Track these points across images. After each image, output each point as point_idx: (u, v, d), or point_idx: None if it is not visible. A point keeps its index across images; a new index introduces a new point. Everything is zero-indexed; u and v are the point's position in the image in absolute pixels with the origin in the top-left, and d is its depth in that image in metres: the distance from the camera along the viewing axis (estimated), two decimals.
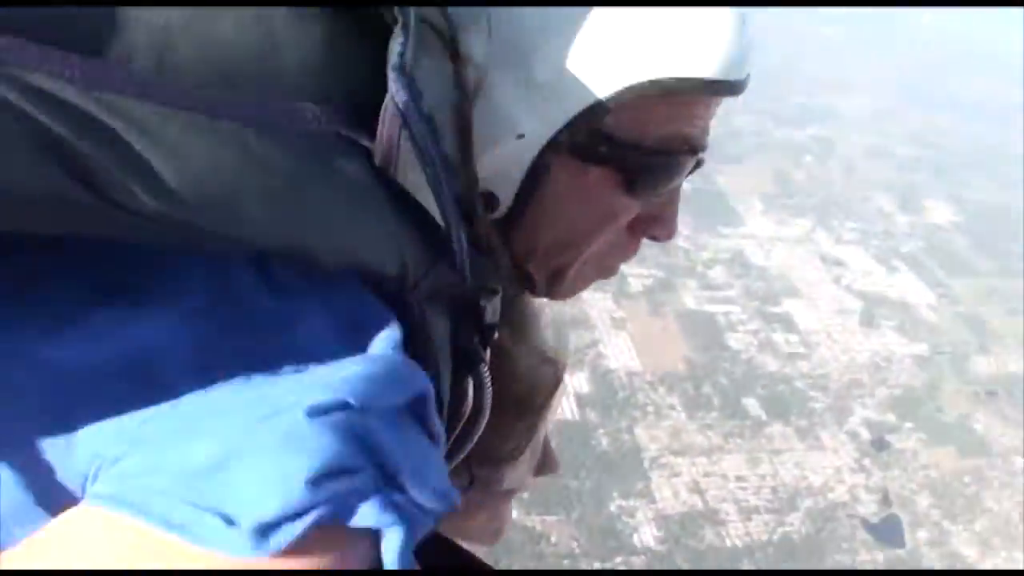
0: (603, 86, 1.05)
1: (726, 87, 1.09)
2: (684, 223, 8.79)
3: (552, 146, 1.08)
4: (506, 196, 1.12)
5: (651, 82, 1.05)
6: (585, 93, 1.06)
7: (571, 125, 1.07)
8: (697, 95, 1.10)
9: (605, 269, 1.28)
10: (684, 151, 1.14)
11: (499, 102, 1.05)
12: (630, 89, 1.05)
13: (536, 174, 1.10)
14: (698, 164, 1.19)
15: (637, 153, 1.11)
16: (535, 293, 1.30)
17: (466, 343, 1.06)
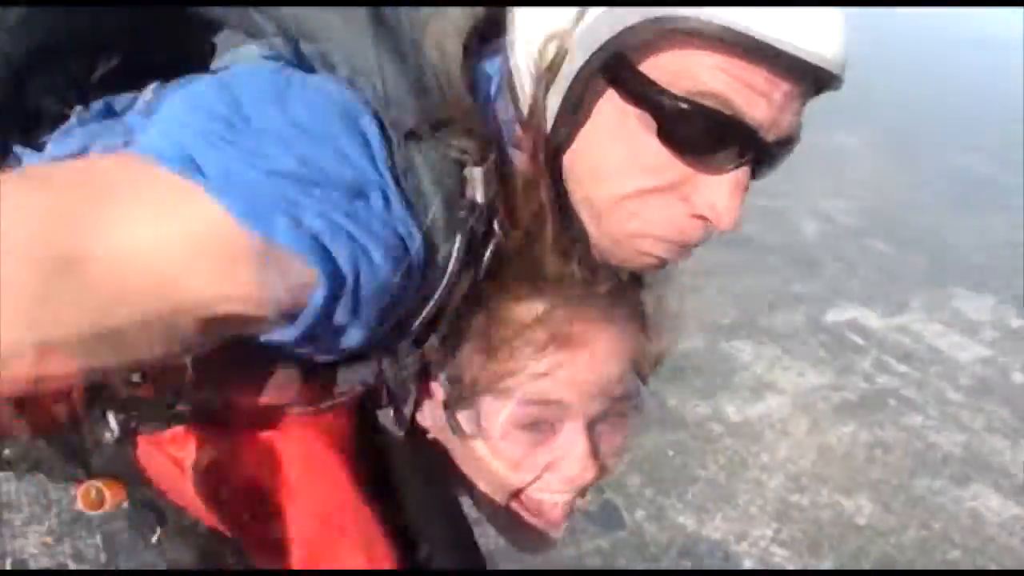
0: (631, 18, 1.09)
1: (757, 49, 1.07)
2: None
3: (592, 77, 1.14)
4: (549, 120, 1.19)
5: (672, 19, 1.07)
6: (615, 22, 1.10)
7: (606, 55, 1.12)
8: (732, 51, 1.09)
9: (665, 242, 1.25)
10: (719, 111, 1.12)
11: None
12: (655, 22, 1.08)
13: (576, 101, 1.17)
14: (758, 146, 1.17)
15: (669, 98, 1.12)
16: (594, 254, 1.31)
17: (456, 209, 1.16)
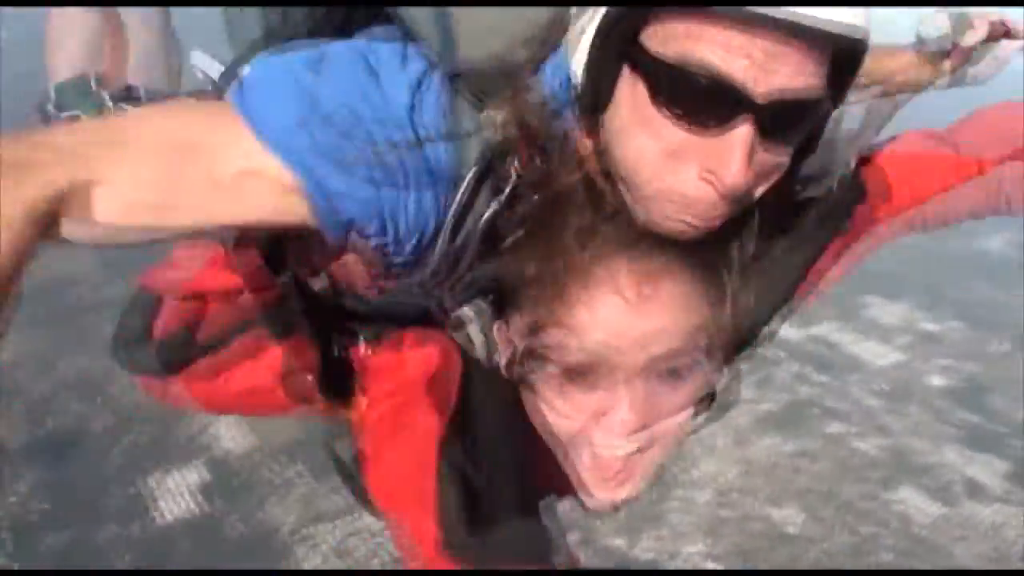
0: None
1: (725, 10, 1.16)
2: None
3: (605, 48, 1.28)
4: (581, 89, 1.35)
5: None
6: None
7: (610, 22, 1.26)
8: (706, 16, 1.18)
9: (681, 206, 1.32)
10: (701, 73, 1.20)
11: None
12: None
13: (598, 74, 1.31)
14: (748, 105, 1.22)
15: (660, 65, 1.23)
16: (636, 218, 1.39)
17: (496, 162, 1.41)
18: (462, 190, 1.42)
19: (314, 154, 1.31)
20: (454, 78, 1.40)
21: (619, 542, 4.99)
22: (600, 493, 1.59)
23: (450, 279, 1.54)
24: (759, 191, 1.36)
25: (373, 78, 1.37)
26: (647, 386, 1.49)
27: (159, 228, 1.31)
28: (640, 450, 1.54)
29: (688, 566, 4.80)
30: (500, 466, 1.58)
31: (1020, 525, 5.48)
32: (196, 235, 1.43)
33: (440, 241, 1.45)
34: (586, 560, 4.77)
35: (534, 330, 1.50)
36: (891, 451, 6.18)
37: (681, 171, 1.28)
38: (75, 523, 4.86)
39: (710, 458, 5.81)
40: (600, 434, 1.51)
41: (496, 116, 1.40)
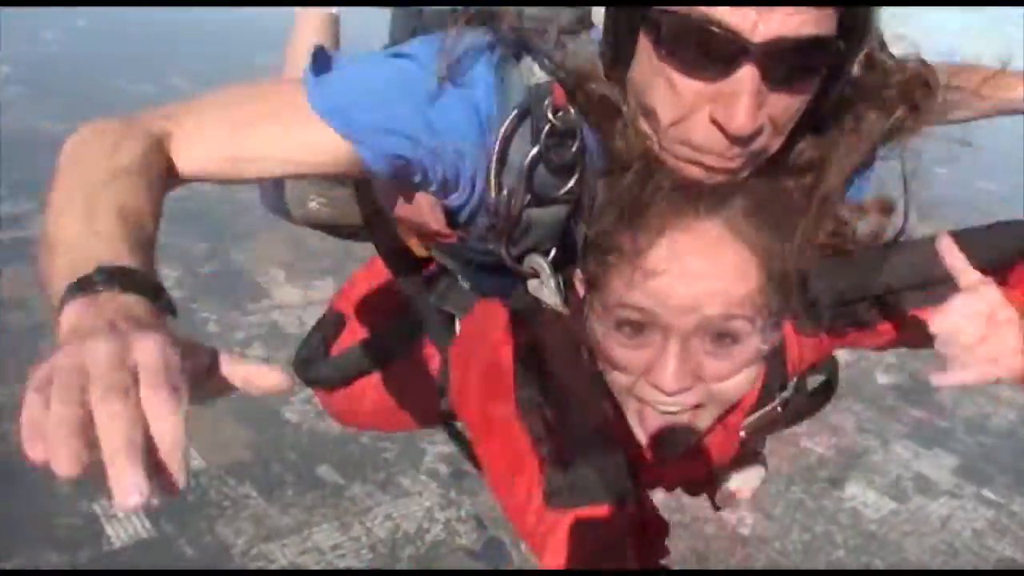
0: None
1: None
2: (210, 307, 8.48)
3: (622, 11, 1.42)
4: (602, 47, 1.51)
5: None
6: None
7: None
8: None
9: (696, 150, 1.42)
10: (702, 23, 1.28)
11: None
12: None
13: (615, 32, 1.46)
14: (747, 50, 1.29)
15: (667, 19, 1.33)
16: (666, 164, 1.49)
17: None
18: (502, 132, 1.58)
19: (359, 111, 1.56)
20: (504, 38, 1.59)
21: None
22: (650, 448, 1.65)
23: (508, 228, 1.68)
24: (776, 137, 1.43)
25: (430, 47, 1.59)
26: (697, 346, 1.52)
27: (238, 176, 1.59)
28: (689, 410, 1.59)
29: None
30: (575, 405, 1.65)
31: (968, 517, 5.54)
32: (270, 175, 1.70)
33: (487, 183, 1.62)
34: None
35: (593, 283, 1.58)
36: (840, 449, 6.22)
37: (692, 117, 1.39)
38: (24, 551, 4.75)
39: None
40: (647, 389, 1.55)
41: (535, 66, 1.59)
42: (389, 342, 2.24)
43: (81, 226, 1.20)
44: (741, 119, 1.34)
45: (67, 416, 0.80)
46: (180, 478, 0.81)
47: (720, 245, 1.50)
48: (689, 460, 1.84)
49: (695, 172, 1.45)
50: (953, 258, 1.58)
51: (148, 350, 0.85)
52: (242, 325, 8.54)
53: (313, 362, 2.37)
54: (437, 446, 7.36)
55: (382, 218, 2.09)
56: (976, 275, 1.56)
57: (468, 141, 1.59)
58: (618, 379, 1.60)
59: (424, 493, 6.35)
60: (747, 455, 2.14)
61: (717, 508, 2.20)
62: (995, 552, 5.25)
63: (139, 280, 1.06)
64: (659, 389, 1.54)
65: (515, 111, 1.59)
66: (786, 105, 1.39)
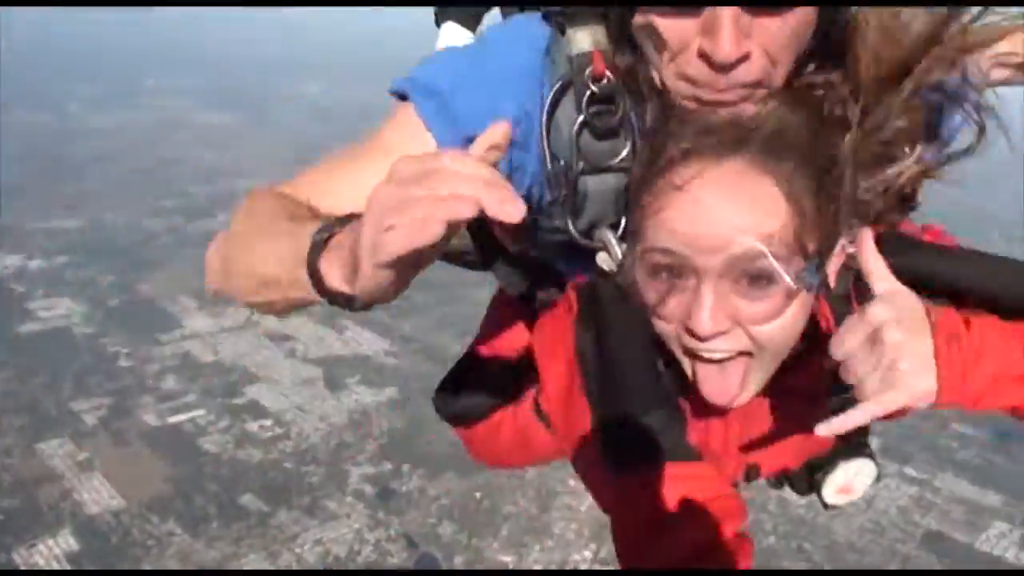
0: None
1: None
2: (121, 340, 8.30)
3: None
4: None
5: None
6: None
7: None
8: None
9: (690, 83, 1.56)
10: None
11: None
12: None
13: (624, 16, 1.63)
14: None
15: None
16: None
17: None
18: (548, 101, 1.77)
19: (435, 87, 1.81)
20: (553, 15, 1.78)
21: (508, 558, 4.94)
22: (708, 395, 1.66)
23: (568, 199, 1.82)
24: (774, 66, 1.51)
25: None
26: (730, 288, 1.54)
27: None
28: (735, 356, 1.61)
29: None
30: (631, 362, 1.71)
31: (892, 496, 5.64)
32: None
33: (541, 152, 1.81)
34: None
35: (634, 233, 1.66)
36: None
37: (682, 54, 1.53)
38: None
39: None
40: (686, 336, 1.58)
41: (577, 36, 1.74)
42: (519, 372, 2.29)
43: (272, 242, 1.55)
44: (723, 47, 1.44)
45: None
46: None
47: (742, 181, 1.51)
48: (771, 427, 1.88)
49: (693, 105, 1.58)
50: (868, 259, 1.59)
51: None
52: (155, 357, 8.33)
53: (452, 397, 2.46)
54: (362, 467, 7.28)
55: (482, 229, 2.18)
56: (890, 282, 1.58)
57: (523, 103, 1.80)
58: (664, 328, 1.64)
59: (352, 515, 6.26)
60: (850, 445, 2.11)
61: (826, 506, 2.19)
62: (921, 527, 5.38)
63: (335, 222, 1.41)
64: (696, 334, 1.55)
65: (559, 82, 1.76)
66: (775, 31, 1.47)
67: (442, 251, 1.22)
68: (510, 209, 1.12)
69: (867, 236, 1.60)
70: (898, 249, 1.67)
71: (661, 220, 1.55)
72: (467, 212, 1.12)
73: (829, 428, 1.58)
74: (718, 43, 1.44)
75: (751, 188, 1.51)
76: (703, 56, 1.49)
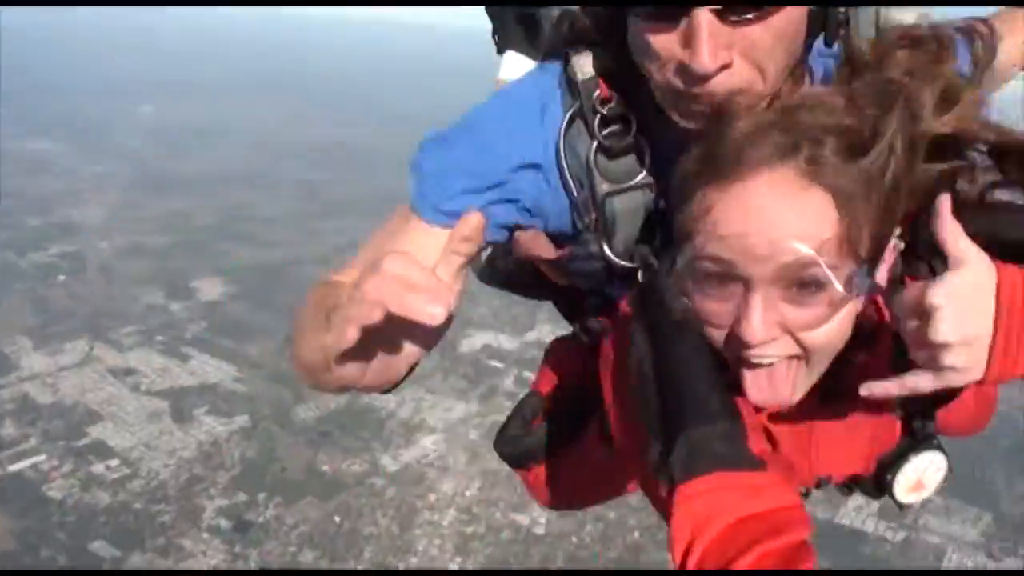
0: None
1: None
2: None
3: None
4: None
5: None
6: None
7: None
8: None
9: (676, 95, 1.65)
10: None
11: None
12: None
13: (603, 16, 1.79)
14: None
15: None
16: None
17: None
18: (561, 133, 1.88)
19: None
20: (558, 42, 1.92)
21: None
22: (756, 399, 1.65)
23: (598, 224, 1.91)
24: (758, 72, 1.56)
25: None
26: (778, 295, 1.53)
27: None
28: (785, 360, 1.60)
29: None
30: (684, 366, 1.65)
31: None
32: None
33: (563, 184, 1.91)
34: None
35: (679, 242, 1.64)
36: None
37: (664, 69, 1.61)
38: None
39: (447, 478, 5.83)
40: (736, 342, 1.57)
41: (582, 61, 1.86)
42: (583, 408, 2.34)
43: (313, 333, 1.67)
44: (700, 57, 1.50)
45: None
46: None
47: (792, 190, 1.50)
48: (838, 432, 1.88)
49: (675, 117, 1.67)
50: (945, 226, 1.56)
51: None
52: None
53: (517, 439, 2.51)
54: (215, 500, 7.10)
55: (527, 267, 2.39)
56: (961, 251, 1.54)
57: (538, 147, 1.90)
58: (713, 335, 1.63)
59: (208, 551, 6.10)
60: (916, 438, 2.03)
61: (901, 507, 2.12)
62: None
63: None
64: (745, 342, 1.55)
65: (569, 112, 1.87)
66: (756, 38, 1.52)
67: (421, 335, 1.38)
68: (431, 311, 1.20)
69: (945, 202, 1.56)
70: (976, 214, 1.62)
71: (710, 228, 1.54)
72: (374, 316, 1.22)
73: (869, 389, 1.60)
74: (696, 55, 1.51)
75: (801, 195, 1.50)
76: (683, 68, 1.56)
